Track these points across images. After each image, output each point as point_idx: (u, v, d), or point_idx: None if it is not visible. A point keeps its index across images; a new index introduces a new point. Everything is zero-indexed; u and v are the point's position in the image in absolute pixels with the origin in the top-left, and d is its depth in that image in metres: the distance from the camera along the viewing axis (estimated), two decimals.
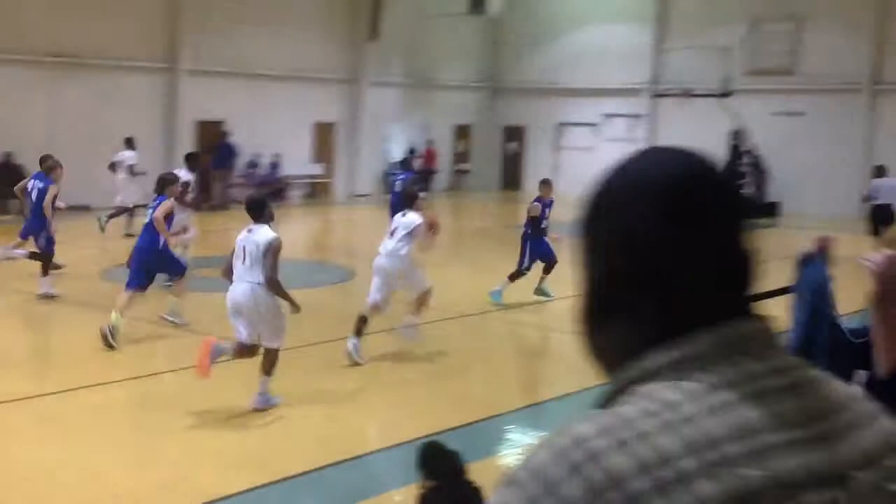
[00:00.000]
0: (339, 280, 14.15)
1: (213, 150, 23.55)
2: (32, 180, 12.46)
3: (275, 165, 25.44)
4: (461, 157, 31.33)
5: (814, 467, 0.92)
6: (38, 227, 12.13)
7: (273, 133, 25.21)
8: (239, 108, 24.36)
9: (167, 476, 6.47)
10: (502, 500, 0.91)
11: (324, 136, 27.27)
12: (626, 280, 1.00)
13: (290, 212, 24.44)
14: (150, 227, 10.42)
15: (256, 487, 6.28)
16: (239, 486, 6.25)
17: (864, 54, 24.68)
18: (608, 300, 1.02)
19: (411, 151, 29.83)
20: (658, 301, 0.98)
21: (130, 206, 17.46)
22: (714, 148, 24.69)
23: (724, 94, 24.37)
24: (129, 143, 18.64)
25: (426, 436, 7.20)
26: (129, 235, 16.78)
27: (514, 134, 31.37)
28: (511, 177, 30.86)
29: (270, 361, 7.80)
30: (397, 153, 29.86)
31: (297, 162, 26.29)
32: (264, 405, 7.78)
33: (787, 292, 3.10)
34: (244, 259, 7.59)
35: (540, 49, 30.12)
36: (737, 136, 24.85)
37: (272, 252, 7.55)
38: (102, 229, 16.62)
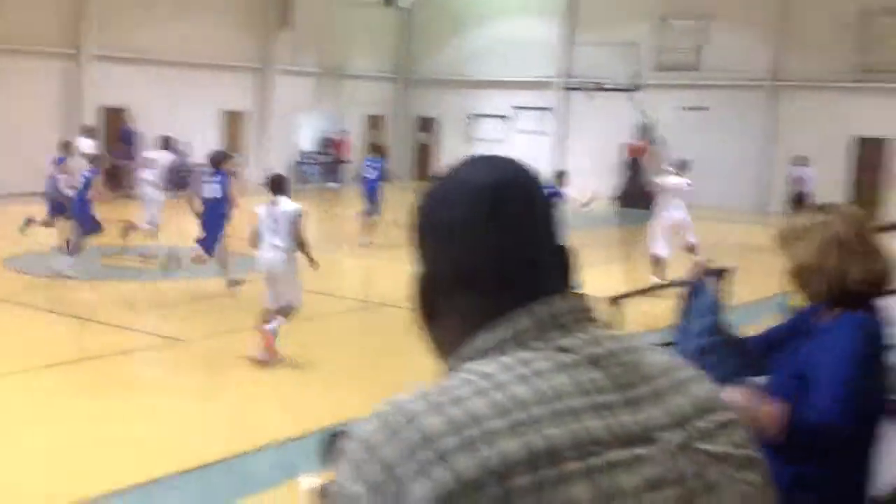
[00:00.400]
0: (252, 269, 13.99)
1: (119, 138, 23.07)
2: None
3: (184, 154, 24.98)
4: (374, 148, 31.25)
5: (620, 428, 0.99)
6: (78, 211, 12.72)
7: (181, 121, 24.75)
8: (146, 96, 23.85)
9: (77, 465, 6.35)
10: (339, 472, 0.98)
11: (233, 125, 26.89)
12: (453, 274, 1.09)
13: (199, 201, 24.03)
14: (216, 202, 11.63)
15: (167, 476, 6.22)
16: (151, 474, 6.18)
17: (766, 52, 25.50)
18: (439, 295, 1.11)
19: (325, 141, 29.65)
20: (482, 291, 1.08)
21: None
22: (623, 141, 25.32)
23: (633, 89, 24.90)
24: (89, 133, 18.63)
25: (339, 424, 7.23)
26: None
27: (427, 125, 31.47)
28: (424, 167, 30.96)
29: (288, 314, 8.93)
30: (308, 143, 29.69)
31: (205, 150, 25.84)
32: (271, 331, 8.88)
33: (684, 284, 3.12)
34: (273, 228, 8.75)
35: (452, 41, 30.25)
36: (645, 130, 25.41)
37: (301, 218, 8.86)
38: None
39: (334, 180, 29.11)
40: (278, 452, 6.85)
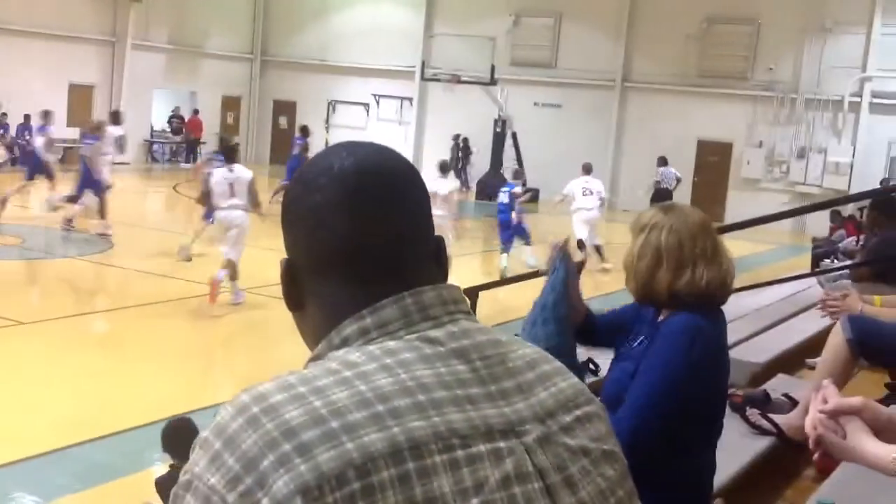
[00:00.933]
0: (97, 250, 13.53)
1: None
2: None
3: (25, 127, 23.79)
4: (230, 129, 30.63)
5: (483, 421, 0.99)
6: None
7: (23, 93, 23.55)
8: None
9: None
10: (192, 462, 0.95)
11: (81, 99, 25.78)
12: (316, 261, 1.07)
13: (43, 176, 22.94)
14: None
15: (6, 465, 5.99)
16: None
17: (616, 53, 26.38)
18: (303, 282, 1.09)
19: (174, 117, 28.77)
20: (345, 279, 1.06)
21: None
22: (480, 133, 25.75)
23: (489, 83, 25.29)
24: (115, 118, 18.87)
25: (191, 411, 7.10)
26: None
27: (285, 108, 31.03)
28: (281, 152, 30.50)
29: (235, 269, 10.59)
30: (159, 121, 28.80)
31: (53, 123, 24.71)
32: (241, 299, 10.69)
33: (540, 274, 3.15)
34: (231, 192, 10.44)
35: (312, 24, 29.91)
36: (501, 124, 25.87)
37: (254, 181, 10.70)
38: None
39: (186, 160, 28.36)
40: (125, 441, 6.69)
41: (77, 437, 6.53)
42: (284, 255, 1.11)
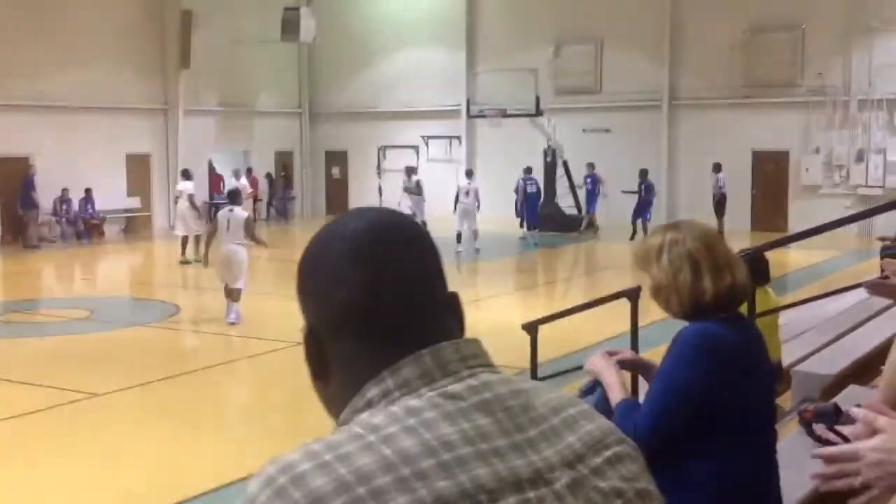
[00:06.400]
0: (165, 316, 13.78)
1: (21, 189, 22.50)
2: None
3: (87, 200, 24.46)
4: (286, 181, 31.08)
5: (510, 473, 0.99)
6: None
7: (84, 167, 24.24)
8: (46, 143, 23.30)
9: None
10: None
11: (138, 168, 26.43)
12: (335, 322, 1.08)
13: (107, 248, 23.53)
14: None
15: None
16: None
17: (660, 72, 26.24)
18: (323, 346, 1.10)
19: (249, 170, 28.82)
20: (366, 338, 1.07)
21: (196, 233, 19.31)
22: (530, 164, 25.75)
23: (536, 114, 25.33)
24: (186, 175, 20.57)
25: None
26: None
27: (337, 159, 31.43)
28: (337, 201, 30.84)
29: (238, 295, 12.56)
30: (218, 182, 29.31)
31: (112, 196, 25.35)
32: (238, 319, 12.50)
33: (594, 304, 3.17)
34: (228, 228, 12.41)
35: (357, 73, 30.34)
36: (551, 153, 25.85)
37: (251, 222, 12.96)
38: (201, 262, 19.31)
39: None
40: None
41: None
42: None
